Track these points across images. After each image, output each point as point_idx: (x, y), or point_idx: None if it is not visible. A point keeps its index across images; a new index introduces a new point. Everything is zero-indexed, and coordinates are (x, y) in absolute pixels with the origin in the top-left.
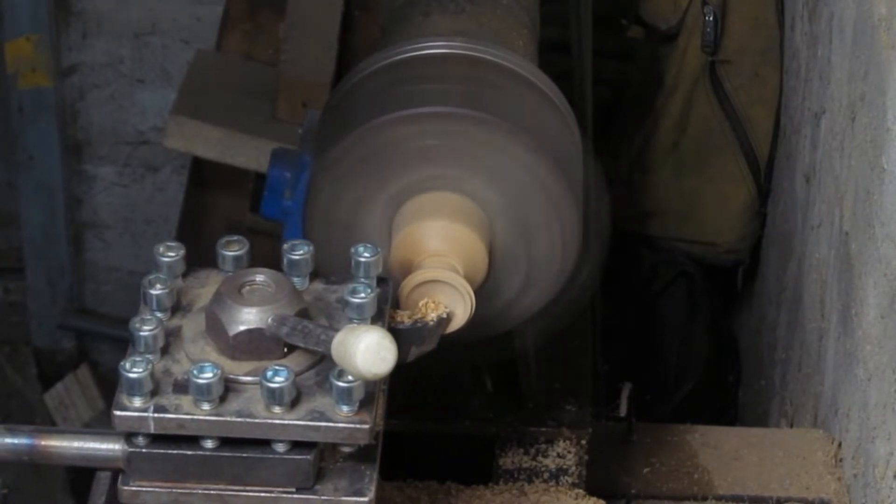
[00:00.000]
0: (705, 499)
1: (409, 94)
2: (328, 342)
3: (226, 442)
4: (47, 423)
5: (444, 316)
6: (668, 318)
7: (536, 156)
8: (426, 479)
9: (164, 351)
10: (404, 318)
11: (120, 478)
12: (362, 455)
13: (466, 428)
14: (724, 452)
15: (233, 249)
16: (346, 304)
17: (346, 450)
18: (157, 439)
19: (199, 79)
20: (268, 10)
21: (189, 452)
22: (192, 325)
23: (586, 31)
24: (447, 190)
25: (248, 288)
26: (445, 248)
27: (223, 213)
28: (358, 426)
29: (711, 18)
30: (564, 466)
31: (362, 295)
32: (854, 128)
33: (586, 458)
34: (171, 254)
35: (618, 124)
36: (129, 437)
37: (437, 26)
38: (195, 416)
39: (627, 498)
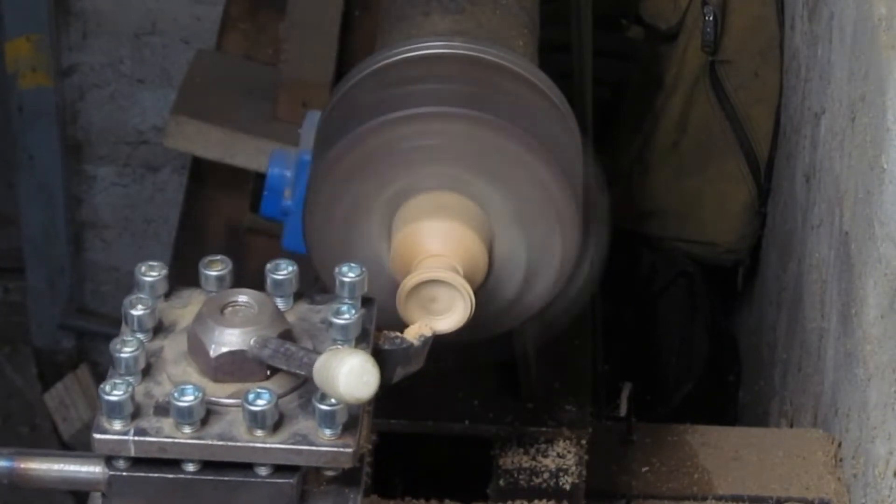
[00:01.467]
0: (705, 499)
1: (408, 94)
2: (310, 365)
3: (208, 465)
4: (47, 422)
5: (430, 335)
6: (668, 317)
7: (536, 156)
8: (425, 479)
9: (146, 372)
10: (389, 338)
11: (101, 501)
12: (347, 478)
13: (466, 428)
14: (724, 452)
15: (216, 269)
16: (331, 324)
17: (330, 473)
18: (138, 462)
19: (199, 79)
20: (268, 10)
21: (170, 476)
22: (174, 346)
23: (586, 31)
24: (447, 190)
25: (230, 309)
26: (445, 248)
27: (223, 213)
28: (341, 450)
29: (711, 18)
30: (564, 466)
31: (346, 316)
32: (854, 128)
33: (586, 458)
34: (152, 273)
35: (618, 124)
36: (109, 460)
37: (437, 26)
38: (176, 440)
39: (627, 498)
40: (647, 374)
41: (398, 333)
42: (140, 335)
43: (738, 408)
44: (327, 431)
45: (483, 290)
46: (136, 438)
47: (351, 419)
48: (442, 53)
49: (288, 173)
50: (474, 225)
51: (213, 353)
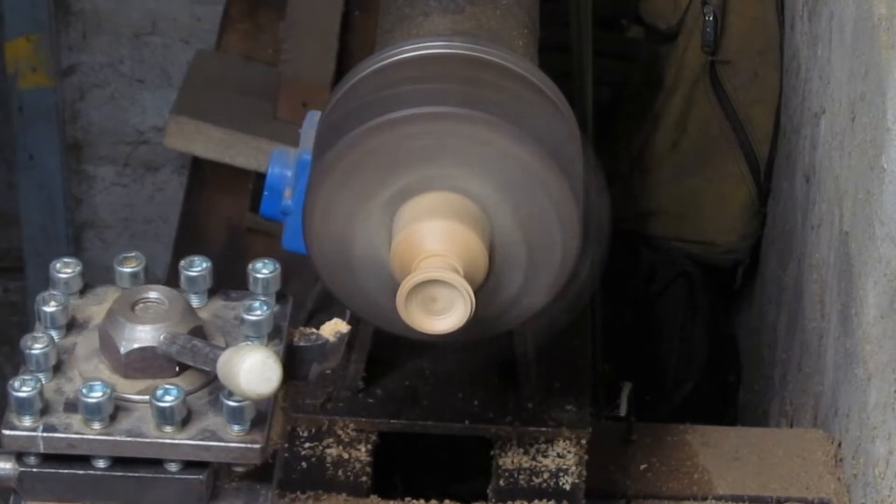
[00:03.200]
0: (705, 499)
1: (408, 94)
2: (215, 361)
3: (118, 461)
4: None
5: (346, 332)
6: (668, 318)
7: (536, 156)
8: (425, 479)
9: (57, 369)
10: (305, 335)
11: (12, 498)
12: (258, 475)
13: (466, 428)
14: (724, 452)
15: (130, 265)
16: (243, 321)
17: (240, 469)
18: (48, 459)
19: (199, 79)
20: (268, 10)
21: (80, 472)
22: (86, 342)
23: (586, 31)
24: (447, 190)
25: (141, 305)
26: (445, 248)
27: (223, 213)
28: (249, 446)
29: (711, 18)
30: (564, 466)
31: (258, 312)
32: (854, 128)
33: (586, 458)
34: (67, 270)
35: (618, 124)
36: (20, 456)
37: (437, 26)
38: (85, 436)
39: (627, 498)
40: (647, 374)
41: (314, 330)
42: (52, 332)
43: (738, 408)
44: (235, 427)
45: (483, 290)
46: (45, 435)
47: (259, 415)
48: (442, 53)
49: (288, 173)
50: (474, 225)
51: (123, 350)
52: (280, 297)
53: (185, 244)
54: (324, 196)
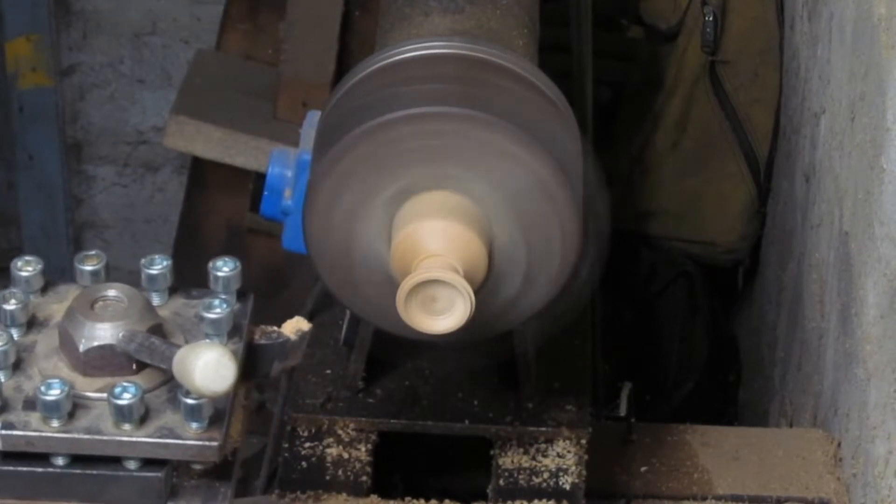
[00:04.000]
0: (705, 499)
1: (408, 94)
2: (171, 359)
3: (77, 459)
4: None
5: (307, 330)
6: (668, 318)
7: (536, 156)
8: (425, 479)
9: (17, 367)
10: (266, 333)
11: None
12: (218, 472)
13: (466, 428)
14: (724, 452)
15: (90, 264)
16: (202, 319)
17: (198, 467)
18: (7, 456)
19: (199, 79)
20: (268, 10)
21: (39, 470)
22: (46, 340)
23: (586, 31)
24: (447, 190)
25: (100, 303)
26: (445, 248)
27: (223, 213)
28: (207, 444)
29: (711, 18)
30: (564, 466)
31: (218, 310)
32: (854, 128)
33: (586, 458)
34: (28, 268)
35: (618, 124)
36: None
37: (437, 26)
38: (43, 433)
39: (627, 498)
40: (647, 374)
41: (275, 328)
42: (13, 329)
43: (738, 408)
44: (193, 425)
45: (483, 290)
46: (4, 432)
47: (217, 413)
48: (441, 53)
49: (288, 173)
50: (474, 225)
51: (82, 348)
52: (241, 295)
53: (185, 244)
54: (324, 196)
